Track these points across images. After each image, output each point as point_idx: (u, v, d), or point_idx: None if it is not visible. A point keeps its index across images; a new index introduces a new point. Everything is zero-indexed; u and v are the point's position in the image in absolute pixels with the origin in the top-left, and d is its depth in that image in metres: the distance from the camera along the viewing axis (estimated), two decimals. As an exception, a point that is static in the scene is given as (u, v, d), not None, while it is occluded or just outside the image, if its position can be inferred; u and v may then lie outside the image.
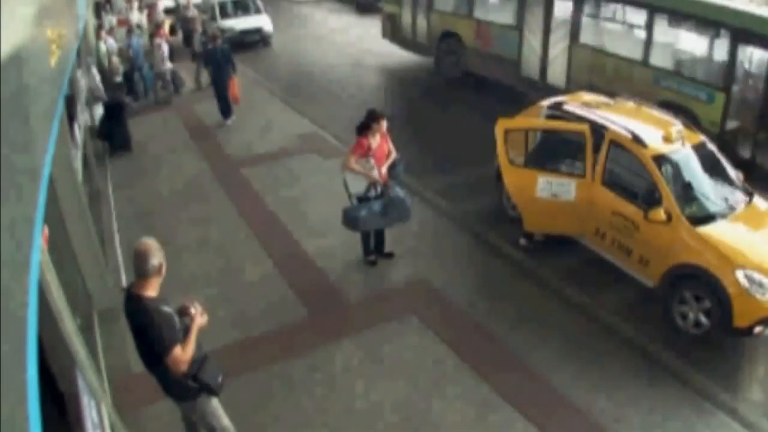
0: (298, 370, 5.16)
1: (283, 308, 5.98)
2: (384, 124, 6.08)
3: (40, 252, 2.40)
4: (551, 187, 6.34)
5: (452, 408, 4.76)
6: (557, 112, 6.86)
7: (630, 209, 5.92)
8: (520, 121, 6.93)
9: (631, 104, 7.03)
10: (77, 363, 3.23)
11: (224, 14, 17.97)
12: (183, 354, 3.35)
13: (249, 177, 8.99)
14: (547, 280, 6.35)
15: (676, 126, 6.30)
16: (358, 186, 6.13)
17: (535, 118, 7.04)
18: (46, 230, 3.35)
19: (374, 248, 6.66)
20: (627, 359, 5.28)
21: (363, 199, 6.15)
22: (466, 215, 7.63)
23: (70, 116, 6.86)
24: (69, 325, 3.09)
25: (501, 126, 6.51)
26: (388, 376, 5.10)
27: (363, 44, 17.69)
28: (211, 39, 11.78)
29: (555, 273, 6.45)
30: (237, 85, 11.32)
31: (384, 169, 6.12)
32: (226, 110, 11.29)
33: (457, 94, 12.68)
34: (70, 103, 7.26)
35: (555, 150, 6.70)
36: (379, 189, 6.14)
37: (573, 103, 6.91)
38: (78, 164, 6.26)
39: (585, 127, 6.26)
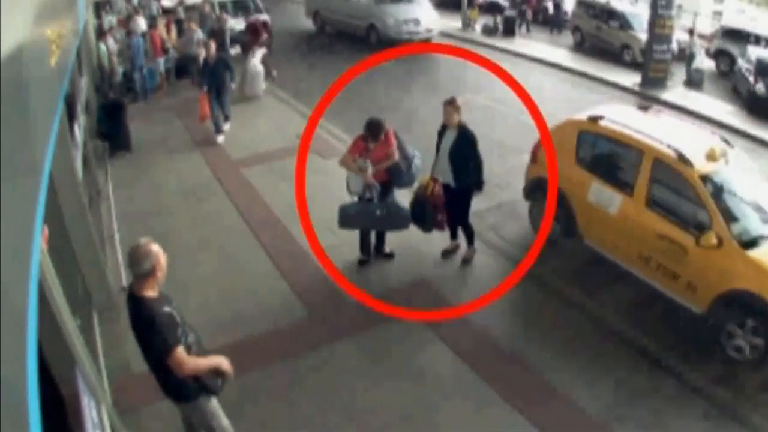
0: (298, 370, 5.16)
1: (283, 308, 5.98)
2: (379, 138, 6.02)
3: (40, 252, 2.40)
4: (600, 194, 6.23)
5: (452, 407, 4.76)
6: (593, 128, 6.53)
7: (676, 233, 5.53)
8: (595, 125, 6.53)
9: (666, 116, 6.59)
10: (77, 363, 3.23)
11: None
12: (185, 355, 3.31)
13: (249, 177, 8.99)
14: (547, 280, 6.36)
15: (718, 142, 5.94)
16: (356, 186, 6.20)
17: (570, 135, 6.72)
18: (46, 230, 3.35)
19: (374, 248, 6.67)
20: (627, 359, 5.28)
21: (361, 200, 6.22)
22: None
23: (70, 116, 6.84)
24: (69, 325, 3.10)
25: (576, 126, 6.59)
26: (387, 376, 5.10)
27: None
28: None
29: (555, 273, 6.46)
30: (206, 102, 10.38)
31: (371, 170, 6.02)
32: (218, 123, 10.47)
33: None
34: (70, 103, 7.24)
35: (610, 160, 6.49)
36: (374, 192, 6.13)
37: (611, 119, 6.46)
38: (78, 164, 6.23)
39: (648, 146, 5.90)
